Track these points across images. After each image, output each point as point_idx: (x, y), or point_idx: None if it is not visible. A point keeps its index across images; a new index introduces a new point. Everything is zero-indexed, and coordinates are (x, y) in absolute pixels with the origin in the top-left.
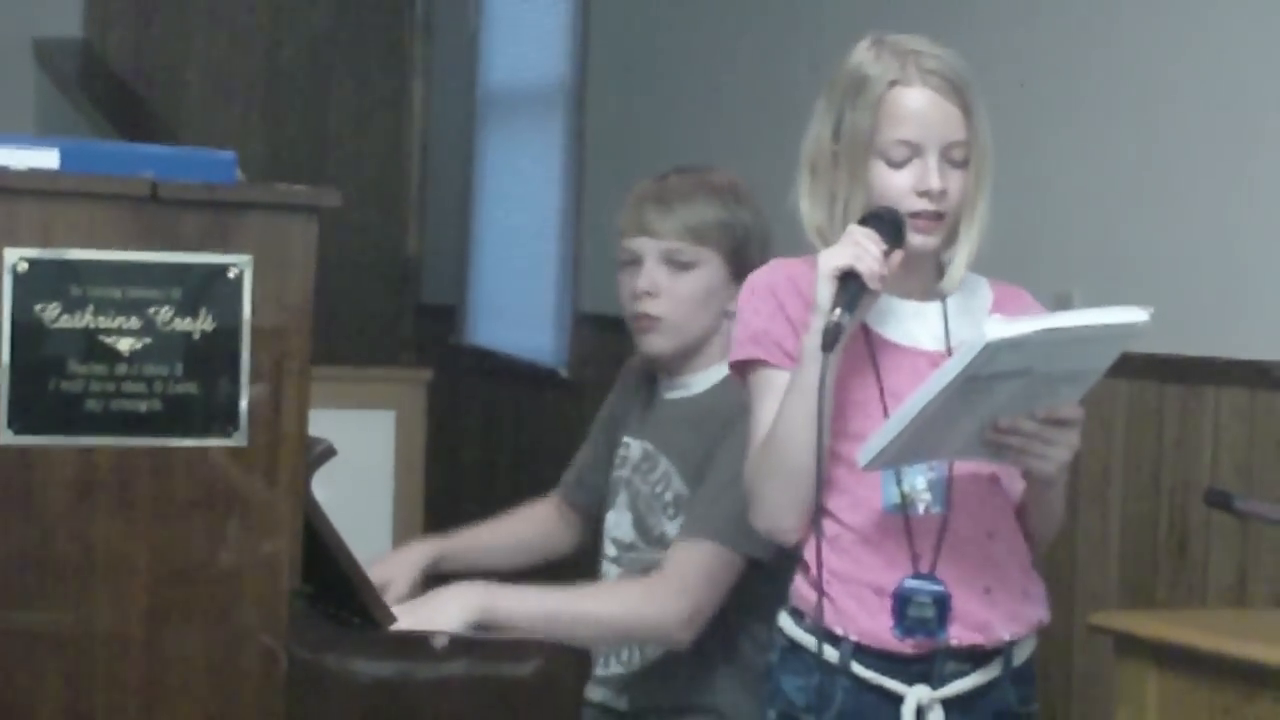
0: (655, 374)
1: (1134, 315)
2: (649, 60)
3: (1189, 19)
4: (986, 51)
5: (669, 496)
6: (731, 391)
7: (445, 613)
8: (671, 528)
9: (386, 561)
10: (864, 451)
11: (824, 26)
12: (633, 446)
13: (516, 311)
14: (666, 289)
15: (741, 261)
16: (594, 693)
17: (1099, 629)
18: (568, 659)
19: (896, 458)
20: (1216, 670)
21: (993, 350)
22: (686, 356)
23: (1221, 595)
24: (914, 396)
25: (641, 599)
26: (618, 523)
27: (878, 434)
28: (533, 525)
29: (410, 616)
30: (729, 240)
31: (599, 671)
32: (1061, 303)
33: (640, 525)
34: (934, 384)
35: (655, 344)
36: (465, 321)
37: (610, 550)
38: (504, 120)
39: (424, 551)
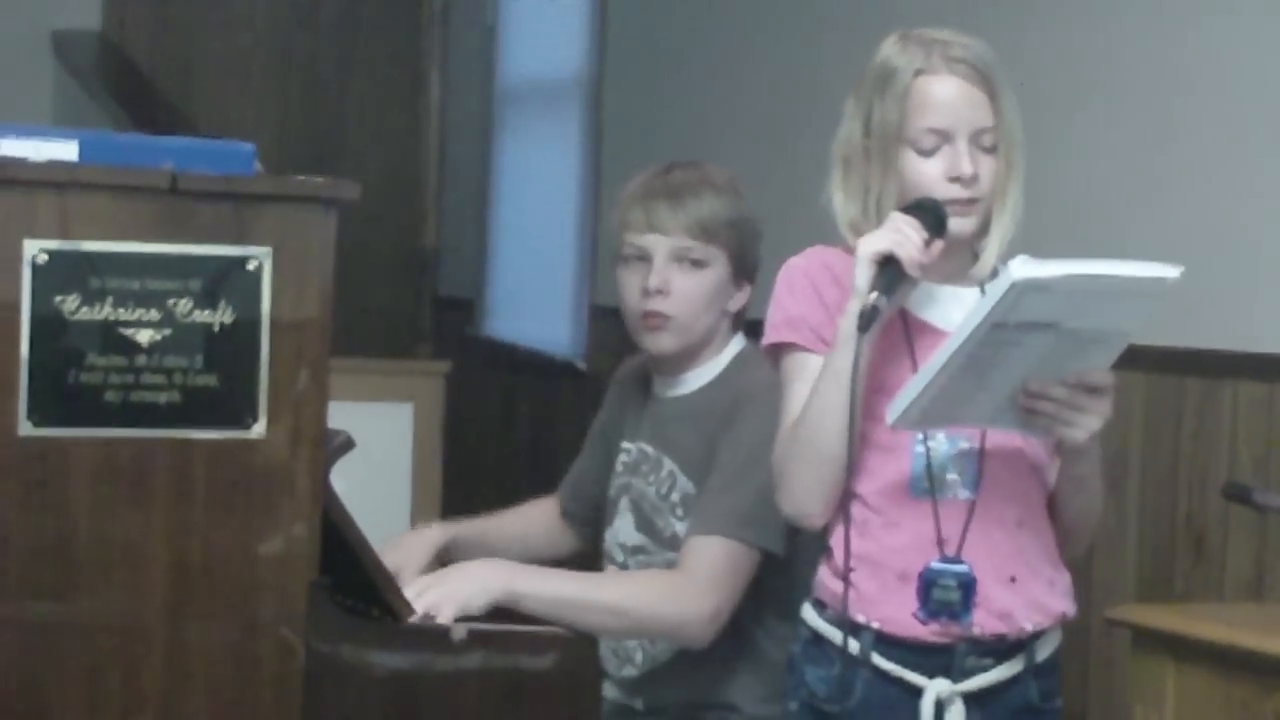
0: (649, 376)
1: (1164, 270)
2: (666, 54)
3: (1200, 11)
4: (996, 46)
5: (675, 497)
6: (728, 385)
7: (467, 588)
8: (682, 528)
9: (397, 548)
10: (892, 408)
11: (841, 21)
12: (631, 450)
13: (534, 304)
14: (677, 287)
15: (745, 260)
16: (608, 692)
17: (1116, 622)
18: (586, 652)
19: (925, 417)
20: (1234, 664)
21: (1020, 290)
22: (689, 355)
23: (1239, 589)
24: (942, 347)
25: (665, 596)
26: (621, 528)
27: (906, 389)
28: (538, 522)
29: (432, 591)
30: (736, 238)
31: (612, 673)
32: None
33: (647, 527)
34: (961, 331)
35: (663, 343)
36: (483, 314)
37: (617, 556)
38: (521, 113)
39: (434, 538)
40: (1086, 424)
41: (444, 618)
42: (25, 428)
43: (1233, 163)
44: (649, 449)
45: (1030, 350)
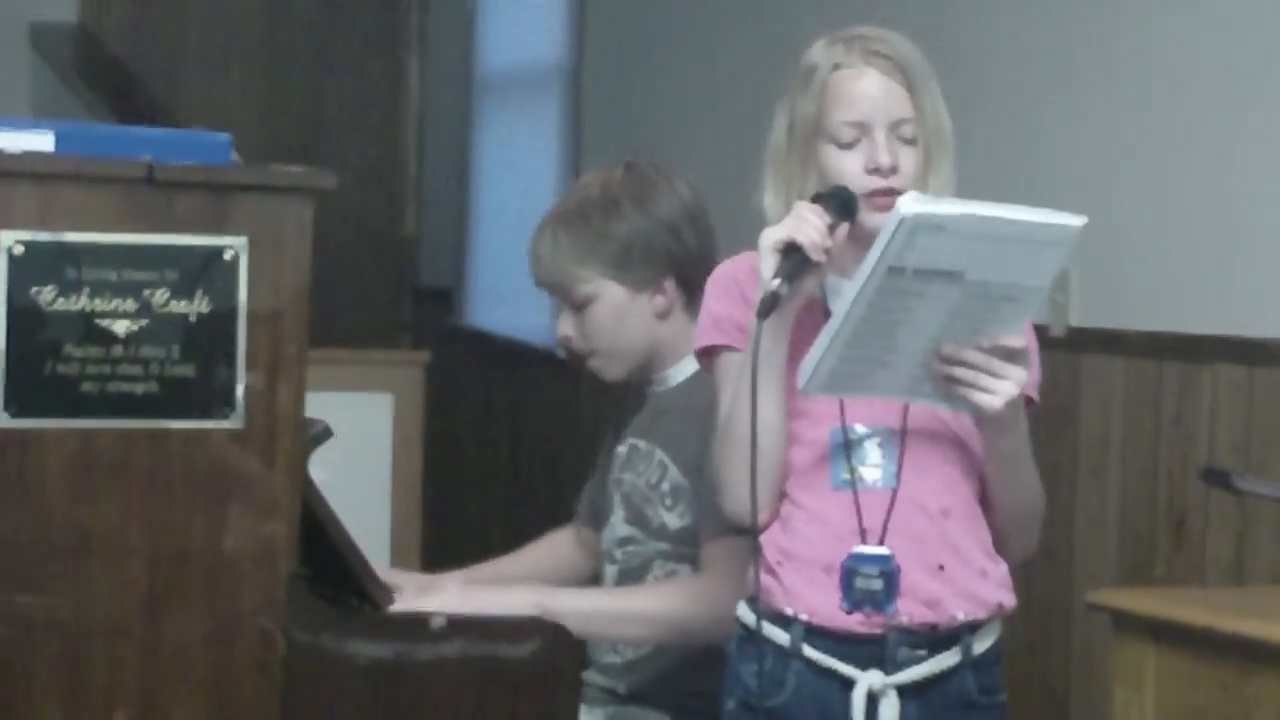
0: (647, 381)
1: (1067, 219)
2: (646, 42)
3: None
4: (983, 33)
5: (666, 487)
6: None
7: (495, 611)
8: (671, 518)
9: (406, 577)
10: (801, 370)
11: (822, 9)
12: (623, 448)
13: (514, 293)
14: (579, 330)
15: (630, 268)
16: (596, 678)
17: (1097, 607)
18: (566, 641)
19: (835, 379)
20: (1214, 648)
21: (910, 227)
22: (652, 364)
23: (1220, 573)
24: (841, 298)
25: (694, 598)
26: (614, 523)
27: (812, 349)
28: (554, 554)
29: (457, 603)
30: (605, 263)
31: (596, 658)
32: (1058, 280)
33: (636, 518)
34: (858, 277)
35: (605, 374)
36: (463, 304)
37: (614, 552)
38: (501, 102)
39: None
40: (1003, 390)
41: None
42: (2, 419)
43: (1212, 147)
44: (640, 443)
45: (936, 304)
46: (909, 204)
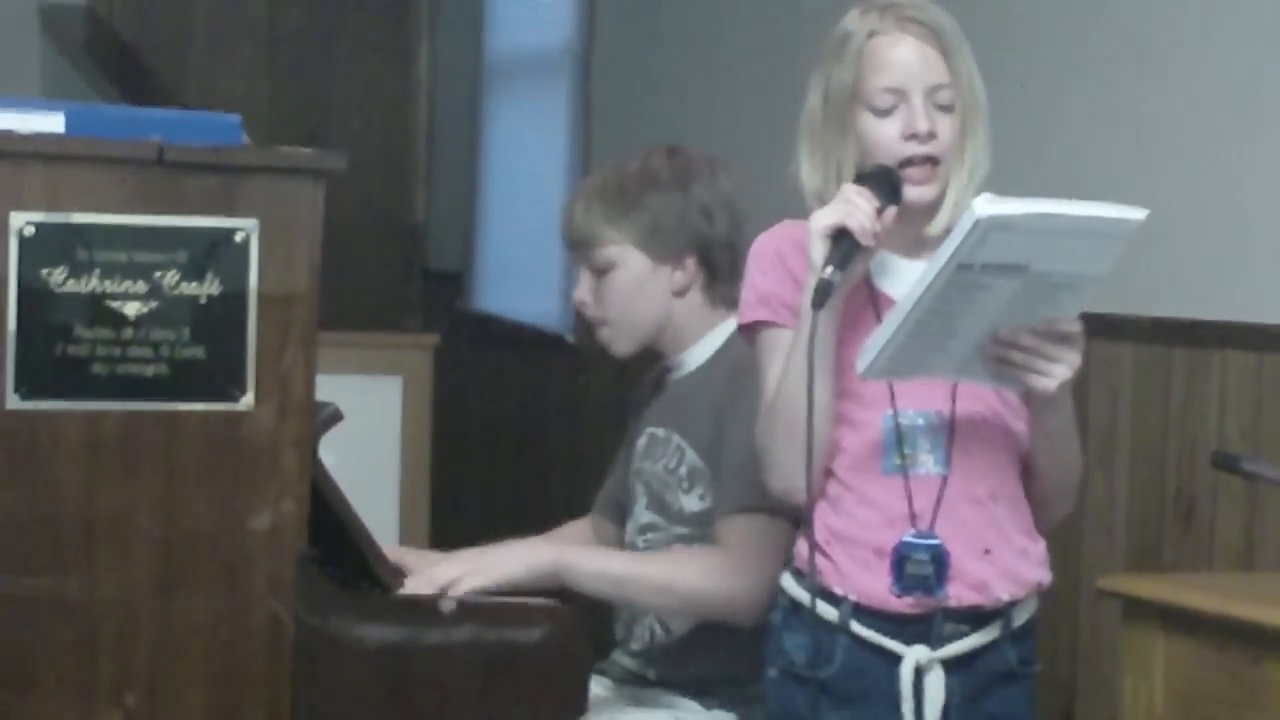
0: (665, 372)
1: (1130, 212)
2: (656, 26)
3: None
4: (992, 21)
5: (683, 471)
6: (725, 359)
7: (508, 564)
8: (689, 501)
9: (417, 555)
10: (862, 356)
11: None
12: (642, 439)
13: (523, 277)
14: (596, 295)
15: (659, 243)
16: (625, 661)
17: (1106, 593)
18: (576, 625)
19: (894, 365)
20: (1224, 634)
21: (984, 228)
22: (668, 343)
23: (1229, 558)
24: (909, 290)
25: (710, 572)
26: (637, 511)
27: (875, 336)
28: (573, 540)
29: (473, 562)
30: (634, 230)
31: (623, 642)
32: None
33: (657, 504)
34: (928, 272)
35: (614, 347)
36: (472, 287)
37: (637, 541)
38: (510, 85)
39: None
40: (1057, 373)
41: (465, 587)
42: (13, 401)
43: (1220, 133)
44: (659, 431)
45: (998, 295)
46: (984, 205)
